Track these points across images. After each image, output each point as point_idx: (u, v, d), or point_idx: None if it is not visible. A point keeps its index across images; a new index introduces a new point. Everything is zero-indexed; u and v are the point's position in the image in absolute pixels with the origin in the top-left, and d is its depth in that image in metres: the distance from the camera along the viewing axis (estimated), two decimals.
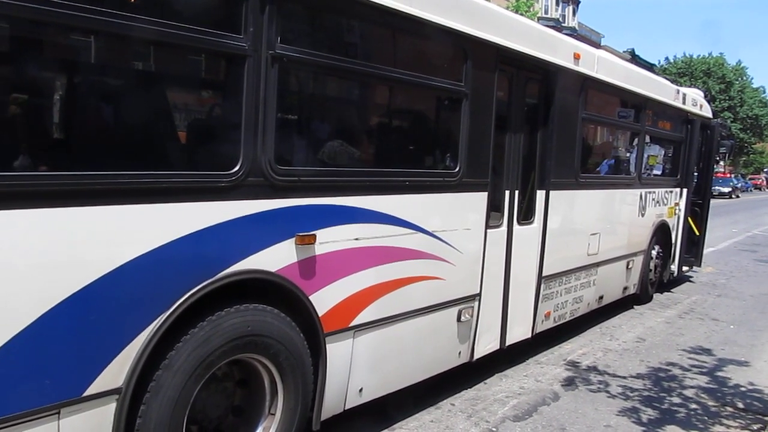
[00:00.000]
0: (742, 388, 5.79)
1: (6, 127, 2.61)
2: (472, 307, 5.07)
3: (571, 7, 52.05)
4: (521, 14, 29.19)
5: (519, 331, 5.90)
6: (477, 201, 5.00)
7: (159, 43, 2.97)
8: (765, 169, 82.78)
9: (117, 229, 2.75)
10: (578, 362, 6.28)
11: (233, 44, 3.13)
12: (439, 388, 5.10)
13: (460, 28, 4.55)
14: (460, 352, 5.07)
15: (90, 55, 2.97)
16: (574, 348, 6.76)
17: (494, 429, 4.64)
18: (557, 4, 50.78)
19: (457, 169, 4.73)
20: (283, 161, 3.45)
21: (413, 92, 4.75)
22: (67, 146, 2.83)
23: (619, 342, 7.12)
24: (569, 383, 5.67)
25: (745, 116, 58.97)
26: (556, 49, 5.95)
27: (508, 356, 5.93)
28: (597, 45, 49.39)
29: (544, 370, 6.00)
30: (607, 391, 5.52)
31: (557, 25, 44.05)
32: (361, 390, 4.13)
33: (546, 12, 48.47)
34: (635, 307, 8.83)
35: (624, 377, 5.93)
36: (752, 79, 63.09)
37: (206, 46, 3.14)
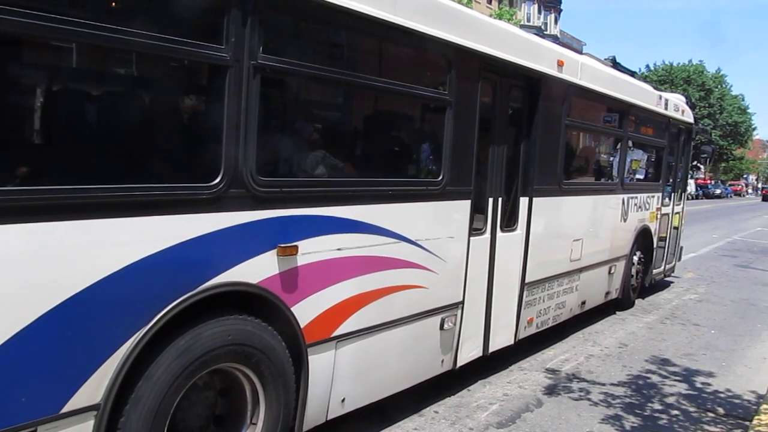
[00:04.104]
0: (723, 394, 5.85)
1: None
2: (455, 315, 5.07)
3: (553, 15, 52.60)
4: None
5: (502, 338, 5.90)
6: (460, 209, 5.00)
7: (140, 54, 2.94)
8: (744, 176, 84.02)
9: (96, 244, 2.71)
10: (561, 368, 6.30)
11: (215, 55, 3.11)
12: (422, 395, 5.07)
13: (444, 37, 4.56)
14: (443, 361, 5.06)
15: (70, 66, 2.91)
16: (556, 354, 6.78)
17: None
18: (539, 12, 51.29)
19: (440, 177, 4.73)
20: (265, 172, 3.42)
21: (397, 101, 4.75)
22: (43, 160, 2.77)
23: (601, 348, 7.15)
24: (552, 389, 5.69)
25: (724, 123, 59.59)
26: (539, 57, 5.99)
27: (491, 362, 5.93)
28: (578, 53, 49.51)
29: (527, 376, 6.00)
30: (590, 398, 5.55)
31: (539, 33, 44.54)
32: (343, 400, 4.11)
33: (528, 20, 48.94)
34: (617, 312, 8.88)
35: (607, 383, 5.96)
36: (731, 86, 63.93)
37: (187, 57, 3.11)
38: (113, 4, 2.89)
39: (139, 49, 2.87)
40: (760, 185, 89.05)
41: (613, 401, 5.50)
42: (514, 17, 38.19)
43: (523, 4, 50.16)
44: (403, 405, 4.88)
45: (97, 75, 3.03)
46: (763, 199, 56.10)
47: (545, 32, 47.41)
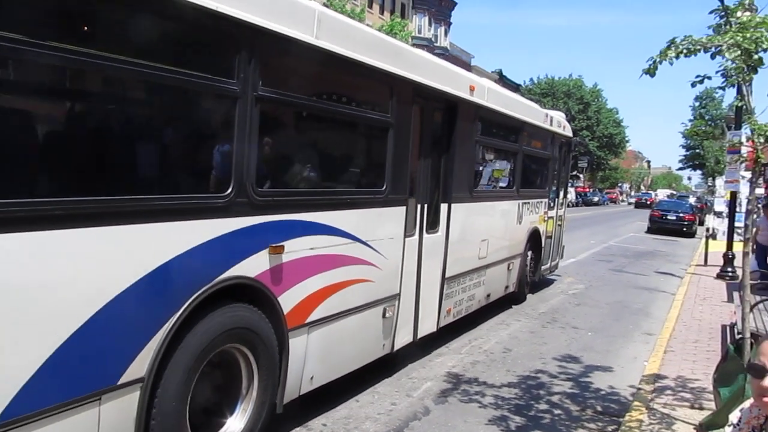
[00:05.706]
0: (602, 392, 6.26)
1: (23, 143, 2.98)
2: (394, 305, 5.92)
3: (443, 28, 54.40)
4: (395, 34, 30.59)
5: (427, 326, 6.82)
6: (398, 214, 5.87)
7: (169, 87, 3.54)
8: (619, 184, 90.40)
9: (138, 244, 3.31)
10: (448, 374, 6.49)
11: (229, 88, 3.81)
12: (309, 408, 5.15)
13: (391, 70, 5.46)
14: (384, 345, 5.89)
15: (118, 98, 3.49)
16: (444, 360, 6.96)
17: None
18: (430, 24, 52.89)
19: (384, 187, 5.58)
20: (262, 184, 4.15)
21: (356, 124, 5.58)
22: (112, 175, 3.34)
23: (486, 353, 7.40)
24: (440, 396, 5.85)
25: (601, 135, 62.85)
26: (457, 83, 6.99)
27: (379, 371, 6.11)
28: (467, 65, 51.19)
29: (416, 384, 6.14)
30: (478, 402, 5.75)
31: (430, 45, 45.82)
32: (312, 378, 4.84)
33: (419, 32, 50.32)
34: (513, 306, 9.87)
35: (493, 386, 6.19)
36: (607, 100, 68.07)
37: (210, 91, 3.81)
38: (159, 46, 3.50)
39: (171, 84, 3.50)
40: (633, 193, 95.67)
41: (500, 404, 5.71)
42: (405, 29, 39.41)
43: (414, 16, 51.67)
44: (290, 417, 4.87)
45: (146, 107, 3.65)
46: (636, 207, 59.47)
47: (435, 44, 49.15)
